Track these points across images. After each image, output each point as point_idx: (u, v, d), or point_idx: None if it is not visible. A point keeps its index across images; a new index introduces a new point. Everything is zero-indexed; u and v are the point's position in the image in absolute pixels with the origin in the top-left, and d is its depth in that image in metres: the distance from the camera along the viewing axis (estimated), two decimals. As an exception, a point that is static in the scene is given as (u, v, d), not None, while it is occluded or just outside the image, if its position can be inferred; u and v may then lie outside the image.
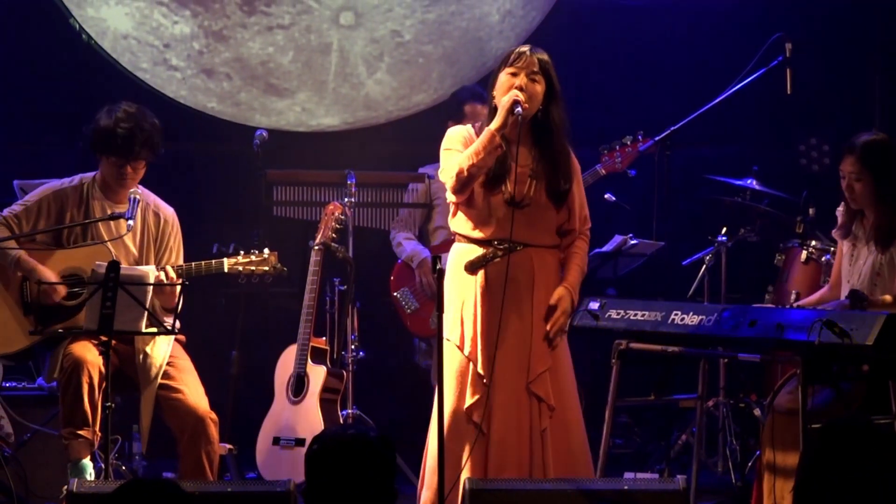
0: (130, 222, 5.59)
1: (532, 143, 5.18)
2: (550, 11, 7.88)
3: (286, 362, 6.45)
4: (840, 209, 5.62)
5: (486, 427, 5.11)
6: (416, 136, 7.51)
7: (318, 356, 6.45)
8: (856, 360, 5.02)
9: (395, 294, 6.97)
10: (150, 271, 5.55)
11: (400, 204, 7.05)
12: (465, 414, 5.12)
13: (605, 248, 6.79)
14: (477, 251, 5.19)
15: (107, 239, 5.77)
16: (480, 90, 6.61)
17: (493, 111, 5.16)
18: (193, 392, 5.73)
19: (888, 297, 5.37)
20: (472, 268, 5.19)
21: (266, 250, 5.88)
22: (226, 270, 5.82)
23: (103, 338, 5.35)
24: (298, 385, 6.39)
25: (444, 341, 5.01)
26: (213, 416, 5.72)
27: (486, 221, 5.18)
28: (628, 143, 6.83)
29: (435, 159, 5.38)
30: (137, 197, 5.69)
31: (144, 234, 5.87)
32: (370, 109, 7.87)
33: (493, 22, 7.88)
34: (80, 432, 5.59)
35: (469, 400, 5.12)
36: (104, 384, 5.41)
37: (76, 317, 5.67)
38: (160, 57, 7.70)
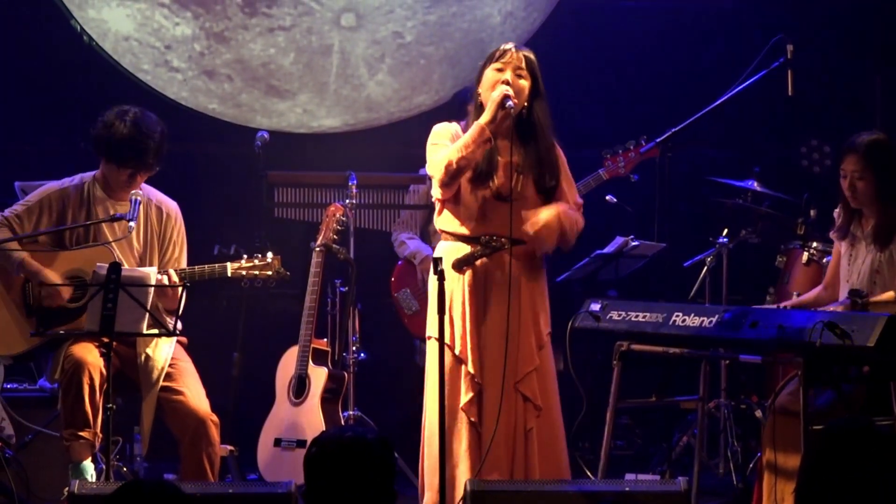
0: (132, 224, 5.59)
1: (518, 140, 5.19)
2: (552, 13, 7.89)
3: (287, 364, 6.45)
4: (837, 210, 5.62)
5: (480, 425, 5.13)
6: (417, 138, 7.48)
7: (320, 357, 6.45)
8: (857, 362, 5.01)
9: (395, 295, 6.97)
10: (152, 273, 5.55)
11: (401, 205, 7.05)
12: (461, 412, 5.12)
13: (606, 250, 6.79)
14: (464, 249, 5.19)
15: (111, 240, 5.76)
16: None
17: (479, 107, 5.18)
18: (195, 394, 5.73)
19: (891, 294, 5.37)
20: (459, 266, 5.19)
21: (269, 254, 5.88)
22: (229, 275, 5.83)
23: (105, 339, 5.35)
24: (300, 386, 6.39)
25: (434, 340, 5.06)
26: (215, 418, 5.73)
27: (473, 217, 5.19)
28: (631, 147, 6.82)
29: (436, 160, 5.38)
30: (138, 198, 5.69)
31: (148, 230, 5.87)
32: (371, 111, 7.87)
33: (494, 23, 7.88)
34: (81, 434, 5.59)
35: (464, 398, 5.13)
36: (105, 386, 5.41)
37: (79, 319, 5.67)
38: (161, 58, 7.70)
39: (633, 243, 6.76)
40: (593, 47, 7.84)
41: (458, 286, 5.19)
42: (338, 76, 7.81)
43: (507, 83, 5.13)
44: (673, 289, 6.75)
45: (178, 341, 5.83)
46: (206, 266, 5.81)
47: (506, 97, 5.08)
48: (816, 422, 4.75)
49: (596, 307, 5.40)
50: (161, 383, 5.73)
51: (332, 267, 6.61)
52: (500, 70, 5.17)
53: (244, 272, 5.84)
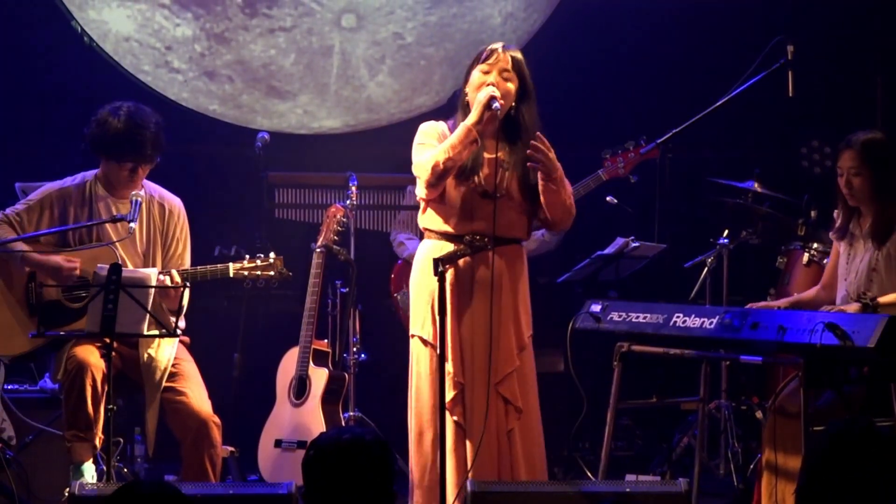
0: (133, 225, 5.58)
1: (504, 140, 5.19)
2: (552, 14, 7.89)
3: (288, 365, 6.46)
4: (837, 211, 5.62)
5: (465, 425, 5.13)
6: (417, 139, 7.50)
7: (320, 358, 6.46)
8: (857, 363, 5.01)
9: (395, 295, 6.98)
10: (153, 273, 5.54)
11: (401, 206, 7.06)
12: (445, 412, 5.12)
13: (606, 251, 6.79)
14: (447, 247, 5.18)
15: (114, 239, 5.74)
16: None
17: (466, 108, 5.18)
18: (197, 396, 5.73)
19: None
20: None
21: (272, 255, 5.87)
22: (231, 275, 5.82)
23: (105, 340, 5.35)
24: (300, 387, 6.39)
25: (418, 339, 5.09)
26: (216, 419, 5.72)
27: (457, 214, 5.18)
28: (630, 147, 6.82)
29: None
30: (139, 199, 5.67)
31: (150, 227, 5.86)
32: (372, 112, 7.87)
33: (494, 24, 7.88)
34: (82, 435, 5.58)
35: (448, 396, 5.12)
36: (107, 387, 5.41)
37: (81, 319, 5.67)
38: (162, 59, 7.70)
39: (634, 244, 6.76)
40: (593, 48, 7.84)
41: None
42: (338, 77, 7.81)
43: (493, 85, 5.13)
44: (673, 290, 6.75)
45: (180, 341, 5.83)
46: (208, 266, 5.81)
47: (492, 98, 5.08)
48: (817, 423, 4.75)
49: (596, 308, 5.40)
50: (164, 384, 5.73)
51: (333, 268, 6.61)
52: (486, 72, 5.17)
53: (247, 272, 5.84)
